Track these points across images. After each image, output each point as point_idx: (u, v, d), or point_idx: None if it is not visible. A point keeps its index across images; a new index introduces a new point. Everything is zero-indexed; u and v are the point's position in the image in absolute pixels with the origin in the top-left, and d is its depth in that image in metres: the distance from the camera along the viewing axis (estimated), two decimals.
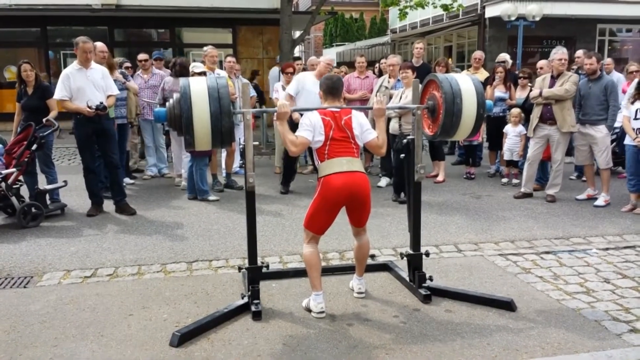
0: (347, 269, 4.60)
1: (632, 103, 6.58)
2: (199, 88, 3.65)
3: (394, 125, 7.24)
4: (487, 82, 8.51)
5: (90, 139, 6.43)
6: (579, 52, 8.09)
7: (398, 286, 4.41)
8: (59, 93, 6.25)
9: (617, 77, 8.54)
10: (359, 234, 4.13)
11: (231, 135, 3.73)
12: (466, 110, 4.00)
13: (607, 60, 8.87)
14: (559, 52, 6.93)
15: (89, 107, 6.16)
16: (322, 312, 3.86)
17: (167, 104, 3.82)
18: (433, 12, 19.78)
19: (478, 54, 9.62)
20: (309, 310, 3.92)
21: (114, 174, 6.63)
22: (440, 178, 8.41)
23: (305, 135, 3.84)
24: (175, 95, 3.71)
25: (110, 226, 6.16)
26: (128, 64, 8.65)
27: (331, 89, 3.99)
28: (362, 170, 3.88)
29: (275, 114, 3.99)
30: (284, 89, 8.23)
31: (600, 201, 6.88)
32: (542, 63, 8.16)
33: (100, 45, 7.32)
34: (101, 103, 6.22)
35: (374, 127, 4.06)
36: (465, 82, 4.08)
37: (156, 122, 7.74)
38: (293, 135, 3.86)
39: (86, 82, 6.25)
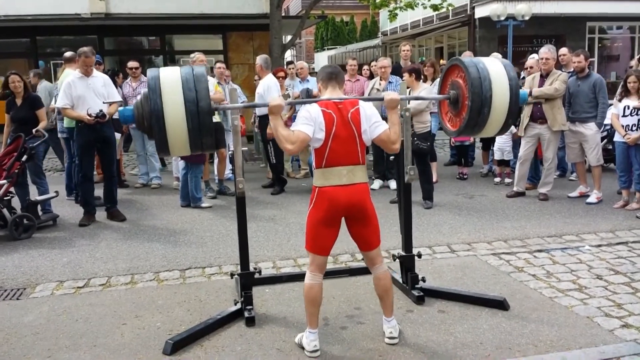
0: (341, 272, 4.61)
1: (620, 100, 6.61)
2: (170, 77, 3.03)
3: None
4: None
5: (91, 146, 6.52)
6: (563, 50, 8.01)
7: None
8: (61, 101, 6.40)
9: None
10: (372, 263, 3.50)
11: (211, 134, 3.22)
12: (497, 100, 3.37)
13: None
14: (542, 51, 6.96)
15: (89, 115, 6.25)
16: (316, 351, 3.38)
17: (134, 100, 3.28)
18: (423, 13, 19.85)
19: (467, 54, 9.63)
20: (302, 348, 3.46)
21: (109, 182, 6.70)
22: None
23: (304, 129, 3.25)
24: (144, 90, 3.16)
25: (102, 235, 6.14)
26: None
27: (331, 74, 3.48)
28: (364, 180, 3.38)
29: (267, 108, 3.42)
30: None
31: (592, 198, 6.91)
32: (531, 62, 8.13)
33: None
34: (100, 111, 6.30)
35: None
36: (495, 66, 3.46)
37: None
38: (288, 131, 3.30)
39: (87, 91, 6.37)
